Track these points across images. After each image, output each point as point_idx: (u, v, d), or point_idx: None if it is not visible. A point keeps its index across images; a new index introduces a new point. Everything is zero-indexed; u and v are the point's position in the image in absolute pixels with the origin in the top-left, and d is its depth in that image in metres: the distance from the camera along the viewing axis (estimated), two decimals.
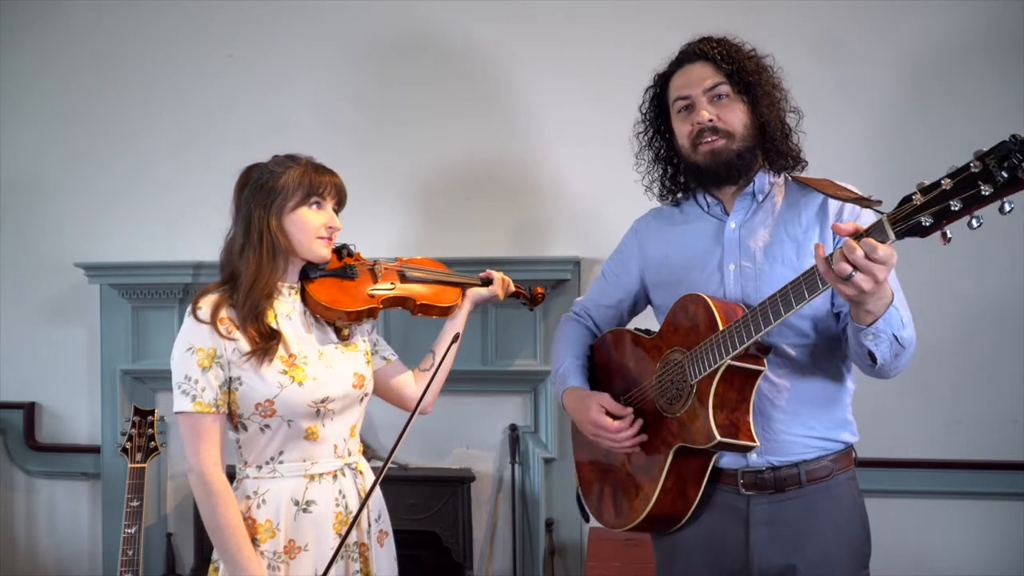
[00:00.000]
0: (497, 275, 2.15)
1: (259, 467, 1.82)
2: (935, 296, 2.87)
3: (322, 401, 1.81)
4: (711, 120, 1.76)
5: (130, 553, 2.58)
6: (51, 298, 3.50)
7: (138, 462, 2.64)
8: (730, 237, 1.79)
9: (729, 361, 1.63)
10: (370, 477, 1.95)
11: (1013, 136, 1.22)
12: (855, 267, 1.40)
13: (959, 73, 3.01)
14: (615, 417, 1.82)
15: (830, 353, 1.73)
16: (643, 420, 1.82)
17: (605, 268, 2.07)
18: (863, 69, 3.04)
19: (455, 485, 3.18)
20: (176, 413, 1.77)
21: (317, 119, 3.31)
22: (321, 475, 1.83)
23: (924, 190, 1.32)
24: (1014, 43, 2.96)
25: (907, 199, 1.33)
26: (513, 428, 3.21)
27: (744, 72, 1.75)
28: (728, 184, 1.80)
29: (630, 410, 1.83)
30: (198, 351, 1.75)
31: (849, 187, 1.70)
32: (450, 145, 3.29)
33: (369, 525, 1.90)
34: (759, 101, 1.75)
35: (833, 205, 1.73)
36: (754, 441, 1.66)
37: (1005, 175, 1.23)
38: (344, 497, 1.85)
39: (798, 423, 1.72)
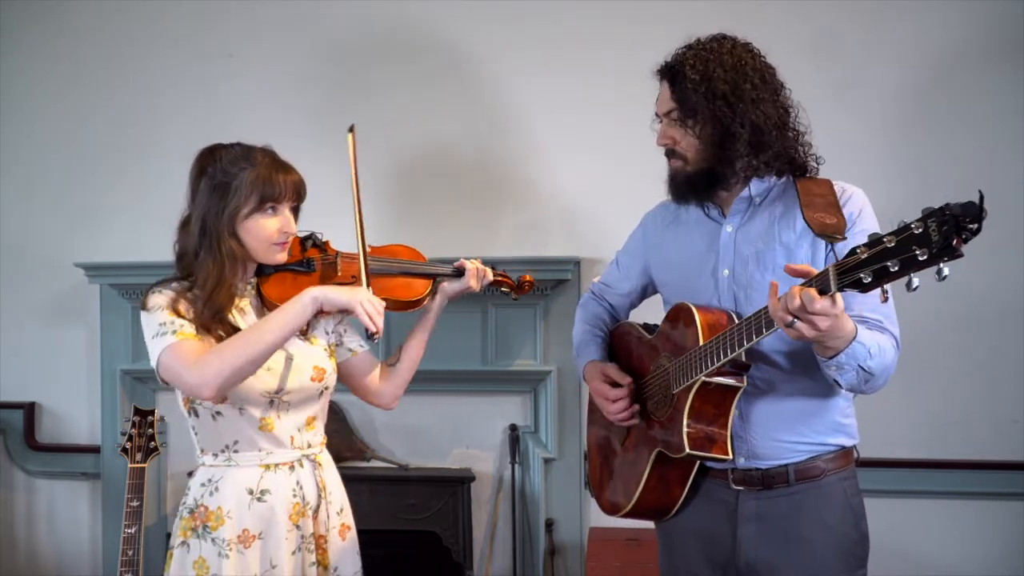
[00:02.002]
0: (471, 264, 2.03)
1: (215, 455, 1.82)
2: (935, 296, 2.86)
3: (276, 392, 1.79)
4: (666, 143, 1.80)
5: (130, 553, 2.58)
6: (51, 298, 3.50)
7: (138, 462, 2.64)
8: (725, 241, 1.79)
9: (704, 378, 1.66)
10: (331, 470, 1.94)
11: (946, 205, 1.20)
12: (796, 317, 1.41)
13: (959, 73, 3.00)
14: (616, 385, 1.88)
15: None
16: (640, 407, 1.87)
17: (619, 257, 2.11)
18: (862, 69, 3.04)
19: (455, 485, 3.18)
20: (161, 353, 1.70)
21: (316, 119, 3.30)
22: (277, 465, 1.82)
23: (870, 244, 1.30)
24: (1014, 44, 2.96)
25: (853, 251, 1.33)
26: (513, 428, 3.21)
27: (696, 97, 1.71)
28: (697, 198, 1.80)
29: (629, 379, 1.87)
30: (164, 308, 1.74)
31: (843, 195, 1.70)
32: (449, 145, 3.29)
33: (329, 517, 1.88)
34: (718, 120, 1.70)
35: None
36: (728, 455, 1.68)
37: (939, 242, 1.21)
38: (302, 488, 1.84)
39: (785, 429, 1.73)
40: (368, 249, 1.91)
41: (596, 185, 3.16)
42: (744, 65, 1.72)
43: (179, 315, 1.73)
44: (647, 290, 2.05)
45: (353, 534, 1.95)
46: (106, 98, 3.48)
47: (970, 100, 3.00)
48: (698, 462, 1.77)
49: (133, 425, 2.66)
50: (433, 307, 2.02)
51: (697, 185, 1.77)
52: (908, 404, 2.96)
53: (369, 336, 1.78)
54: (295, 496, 1.83)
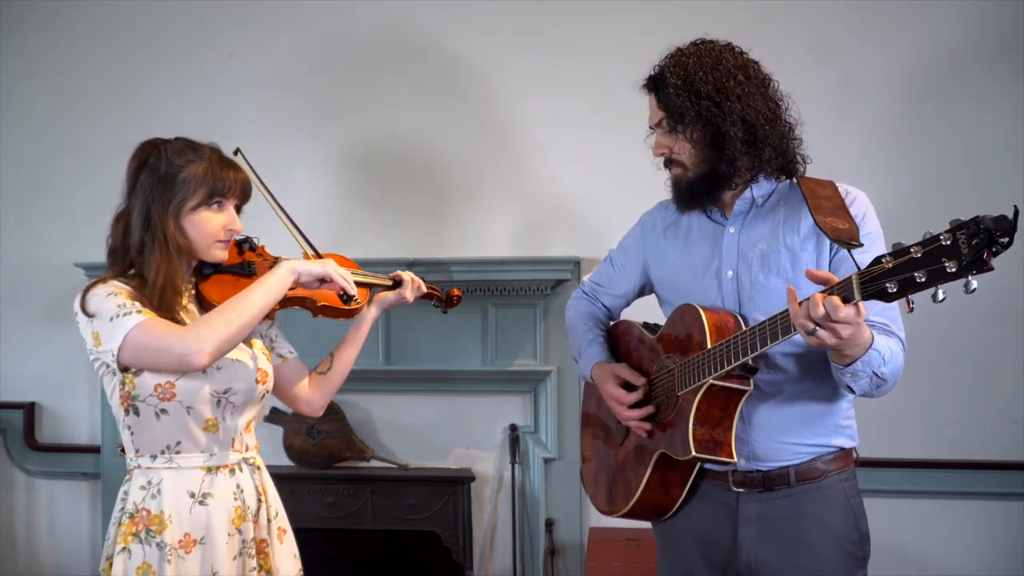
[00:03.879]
0: (407, 276, 2.01)
1: (153, 457, 1.75)
2: (927, 300, 2.87)
3: (224, 392, 1.76)
4: (662, 153, 1.80)
5: None
6: (51, 298, 3.50)
7: None
8: (728, 243, 1.78)
9: (712, 381, 1.65)
10: (267, 474, 1.91)
11: (977, 217, 1.20)
12: (818, 324, 1.40)
13: (958, 74, 3.01)
14: (631, 388, 1.85)
15: (823, 363, 1.69)
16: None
17: (614, 256, 2.08)
18: (862, 70, 3.04)
19: (455, 485, 3.18)
20: (129, 332, 1.63)
21: (315, 119, 3.31)
22: (219, 468, 1.78)
23: (895, 254, 1.30)
24: (1013, 44, 2.96)
25: (878, 260, 1.32)
26: (513, 428, 3.21)
27: (680, 100, 1.71)
28: (702, 203, 1.79)
29: (644, 379, 1.84)
30: (119, 293, 1.69)
31: (847, 197, 1.70)
32: (449, 145, 3.29)
33: (269, 521, 1.85)
34: (707, 120, 1.70)
35: None
36: (733, 458, 1.68)
37: (969, 255, 1.21)
38: (242, 492, 1.80)
39: (788, 432, 1.72)
40: (312, 251, 1.92)
41: (596, 185, 3.16)
42: (724, 63, 1.72)
43: (138, 301, 1.69)
44: (643, 290, 2.03)
45: (290, 536, 1.91)
46: (106, 98, 3.48)
47: (970, 100, 3.00)
48: (698, 464, 1.77)
49: None
50: (368, 316, 2.00)
51: (700, 190, 1.76)
52: (908, 404, 2.95)
53: (347, 300, 1.83)
54: (236, 500, 1.78)
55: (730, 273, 1.77)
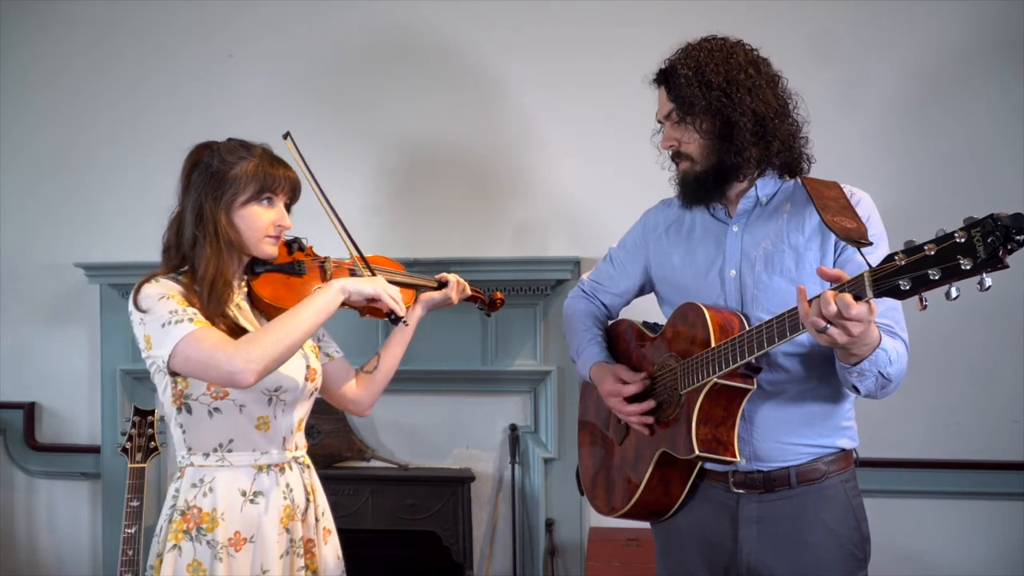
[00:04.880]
0: (452, 277, 2.06)
1: (206, 455, 1.76)
2: (935, 296, 2.87)
3: (275, 390, 1.77)
4: (671, 146, 1.80)
5: (130, 553, 2.58)
6: (51, 298, 3.50)
7: (138, 462, 2.64)
8: (732, 242, 1.78)
9: (716, 380, 1.65)
10: (315, 473, 1.93)
11: (993, 215, 1.20)
12: (829, 322, 1.40)
13: (959, 74, 3.00)
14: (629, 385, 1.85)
15: (827, 363, 1.71)
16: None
17: (613, 254, 2.07)
18: (863, 69, 3.04)
19: (455, 485, 3.18)
20: (179, 342, 1.64)
21: (315, 118, 3.30)
22: (269, 467, 1.79)
23: (908, 251, 1.30)
24: (1014, 44, 2.96)
25: (891, 257, 1.32)
26: (513, 428, 3.21)
27: (691, 91, 1.71)
28: (709, 198, 1.79)
29: (642, 374, 1.84)
30: (172, 296, 1.70)
31: (852, 197, 1.70)
32: (449, 145, 3.29)
33: (316, 521, 1.87)
34: (717, 111, 1.70)
35: None
36: (736, 457, 1.67)
37: (985, 253, 1.21)
38: (292, 491, 1.82)
39: (790, 432, 1.72)
40: (358, 254, 1.94)
41: (596, 185, 3.16)
42: (735, 57, 1.73)
43: (190, 304, 1.70)
44: (643, 289, 2.03)
45: (335, 537, 1.93)
46: (106, 98, 3.48)
47: (970, 100, 3.00)
48: (699, 464, 1.76)
49: (133, 425, 2.67)
50: (414, 316, 2.03)
51: (708, 183, 1.76)
52: (908, 404, 2.94)
53: (395, 320, 1.84)
54: (285, 499, 1.80)
55: (733, 272, 1.76)
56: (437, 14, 3.28)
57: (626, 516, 1.87)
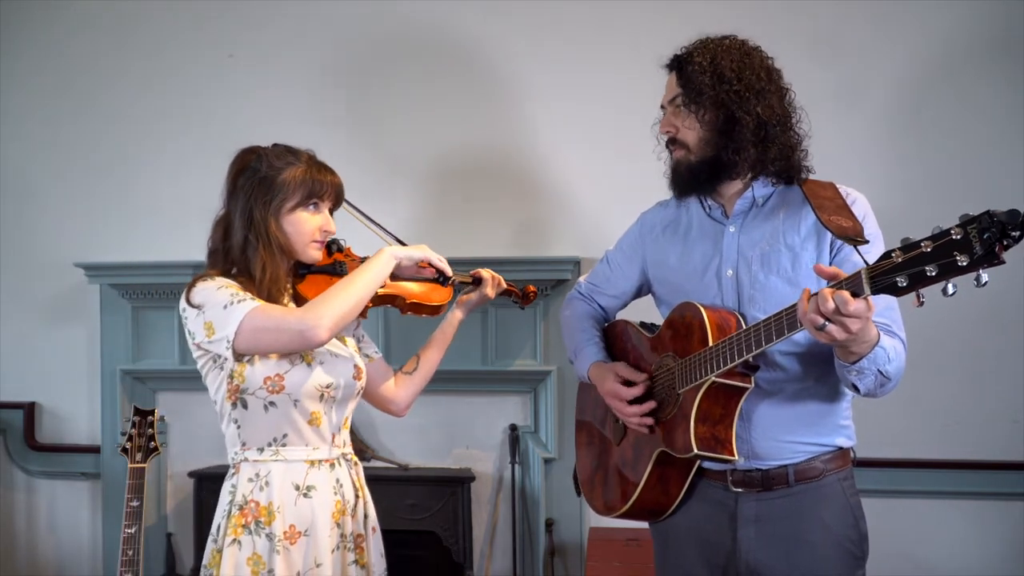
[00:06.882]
0: (487, 273, 2.06)
1: (260, 449, 1.79)
2: (934, 296, 2.87)
3: (327, 386, 1.80)
4: (668, 132, 1.80)
5: (130, 553, 2.58)
6: (51, 298, 3.50)
7: (138, 462, 2.64)
8: (728, 242, 1.78)
9: (714, 378, 1.65)
10: (362, 470, 1.95)
11: (989, 212, 1.21)
12: (827, 319, 1.41)
13: (959, 73, 3.01)
14: (630, 384, 1.85)
15: (824, 362, 1.71)
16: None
17: (610, 256, 2.07)
18: (863, 69, 3.05)
19: (455, 485, 3.18)
20: (244, 318, 1.68)
21: (316, 118, 3.30)
22: (320, 462, 1.82)
23: (905, 248, 1.30)
24: (1015, 43, 2.97)
25: (887, 254, 1.32)
26: (513, 428, 3.21)
27: (702, 78, 1.72)
28: (699, 191, 1.80)
29: (644, 375, 1.84)
30: (229, 285, 1.74)
31: (848, 197, 1.70)
32: (449, 144, 3.29)
33: (366, 516, 1.90)
34: (723, 104, 1.71)
35: None
36: (734, 456, 1.68)
37: (981, 249, 1.21)
38: (341, 486, 1.85)
39: (787, 430, 1.72)
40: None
41: (597, 185, 3.16)
42: (752, 59, 1.75)
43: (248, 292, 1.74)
44: (641, 291, 2.03)
45: (379, 535, 1.97)
46: (106, 98, 3.48)
47: (970, 99, 3.00)
48: (697, 463, 1.77)
49: (133, 425, 2.66)
50: (454, 319, 2.06)
51: (700, 176, 1.76)
52: (908, 404, 2.95)
53: (445, 281, 1.93)
54: (336, 494, 1.83)
55: (730, 272, 1.77)
56: (437, 13, 3.28)
57: (624, 516, 1.87)
